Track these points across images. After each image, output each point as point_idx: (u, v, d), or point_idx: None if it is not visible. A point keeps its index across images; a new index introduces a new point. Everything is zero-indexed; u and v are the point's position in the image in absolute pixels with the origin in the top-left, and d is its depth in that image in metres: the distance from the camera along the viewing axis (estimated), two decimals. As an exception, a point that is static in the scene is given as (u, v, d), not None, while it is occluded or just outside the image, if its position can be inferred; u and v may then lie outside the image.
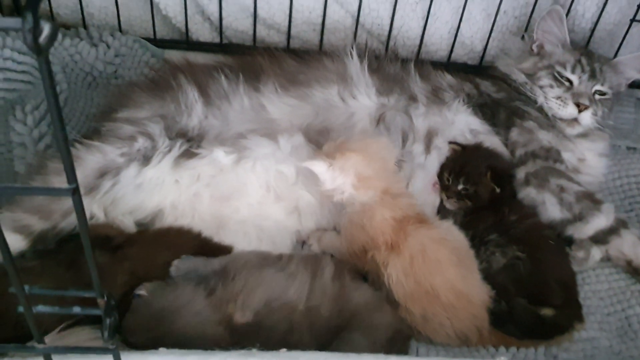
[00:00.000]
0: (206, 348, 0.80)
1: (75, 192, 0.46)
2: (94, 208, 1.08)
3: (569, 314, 1.07)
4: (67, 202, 1.02)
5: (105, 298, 0.58)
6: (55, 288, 0.59)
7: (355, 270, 1.06)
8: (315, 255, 1.04)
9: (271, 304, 0.92)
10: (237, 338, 0.88)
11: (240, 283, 0.94)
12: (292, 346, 0.86)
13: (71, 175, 0.46)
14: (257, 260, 1.01)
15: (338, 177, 1.04)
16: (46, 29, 0.37)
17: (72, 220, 1.04)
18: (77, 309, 0.60)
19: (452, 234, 1.05)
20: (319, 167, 1.04)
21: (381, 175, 1.05)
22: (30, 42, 0.36)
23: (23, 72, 1.33)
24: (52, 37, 0.37)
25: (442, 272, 0.98)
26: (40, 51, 0.36)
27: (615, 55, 1.52)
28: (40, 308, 0.59)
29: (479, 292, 1.01)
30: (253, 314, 0.91)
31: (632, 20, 1.48)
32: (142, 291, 0.92)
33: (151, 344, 0.80)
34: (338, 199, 1.06)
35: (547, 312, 1.05)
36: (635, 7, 1.47)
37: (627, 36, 1.52)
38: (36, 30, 0.36)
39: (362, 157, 1.04)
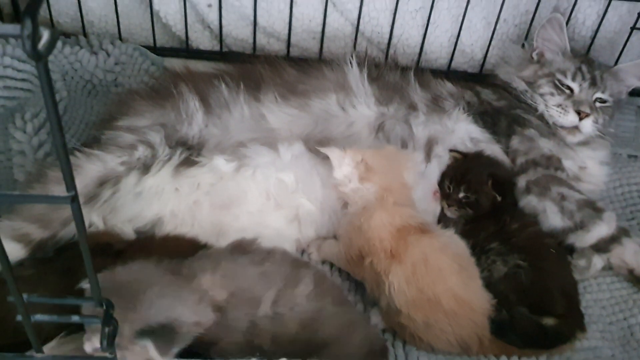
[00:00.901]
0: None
1: (74, 200, 0.46)
2: (93, 217, 1.08)
3: (571, 323, 1.06)
4: (67, 211, 1.01)
5: (104, 306, 0.57)
6: (51, 296, 0.59)
7: (340, 293, 1.04)
8: (300, 269, 0.98)
9: (238, 294, 0.89)
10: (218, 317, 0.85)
11: (208, 262, 0.92)
12: (253, 350, 0.84)
13: (70, 183, 0.45)
14: (230, 249, 0.99)
15: (347, 165, 1.08)
16: (45, 35, 0.37)
17: (71, 229, 1.03)
18: (75, 318, 0.60)
19: (454, 242, 1.05)
20: (333, 152, 1.09)
21: (386, 172, 1.08)
22: (29, 48, 0.35)
23: (23, 80, 1.33)
24: (52, 44, 0.37)
25: (444, 279, 0.97)
26: (39, 57, 0.36)
27: (616, 63, 1.52)
28: (39, 317, 0.59)
29: (480, 300, 1.01)
30: (227, 295, 0.88)
31: (633, 28, 1.49)
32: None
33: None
34: (344, 191, 1.09)
35: (548, 321, 1.04)
36: (636, 15, 1.48)
37: (628, 44, 1.52)
38: (35, 37, 0.36)
39: (374, 153, 1.09)
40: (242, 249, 0.99)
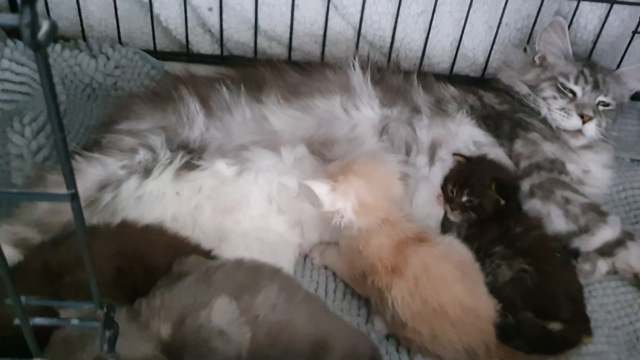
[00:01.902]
0: None
1: (74, 198, 0.45)
2: (93, 221, 1.06)
3: (578, 328, 1.04)
4: (67, 215, 1.00)
5: (105, 309, 0.56)
6: (51, 299, 0.57)
7: (318, 303, 0.95)
8: (262, 278, 0.88)
9: (186, 318, 0.79)
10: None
11: (159, 297, 0.82)
12: None
13: (70, 181, 0.44)
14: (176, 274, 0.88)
15: (339, 201, 1.00)
16: (45, 25, 0.36)
17: (71, 233, 1.02)
18: (75, 322, 0.58)
19: (455, 249, 1.03)
20: (320, 188, 1.01)
21: (382, 204, 1.02)
22: (28, 37, 0.34)
23: (21, 83, 1.31)
24: (51, 34, 0.36)
25: (449, 288, 0.95)
26: (38, 47, 0.35)
27: (618, 67, 1.51)
28: (38, 320, 0.57)
29: (486, 306, 0.99)
30: (172, 327, 0.78)
31: (634, 32, 1.48)
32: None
33: None
34: (336, 222, 1.03)
35: (555, 326, 1.02)
36: (638, 19, 1.47)
37: (629, 48, 1.51)
38: (35, 26, 0.35)
39: (365, 182, 1.01)
40: (187, 269, 0.90)
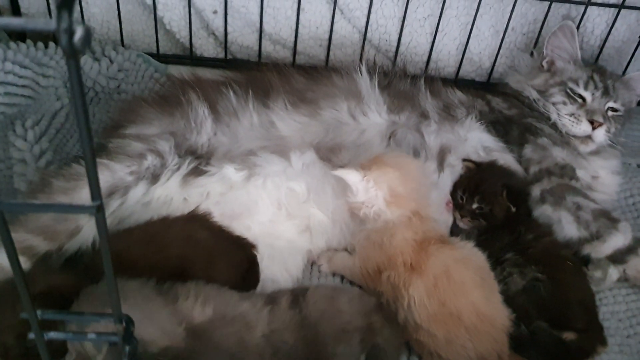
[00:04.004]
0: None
1: (99, 210, 0.43)
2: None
3: (592, 337, 1.03)
4: (74, 223, 0.98)
5: (124, 323, 0.54)
6: (68, 313, 0.55)
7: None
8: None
9: (223, 315, 0.85)
10: (192, 343, 0.80)
11: (192, 284, 0.88)
12: None
13: (96, 191, 0.42)
14: None
15: (371, 190, 1.00)
16: (79, 31, 0.34)
17: (78, 241, 1.00)
18: (92, 336, 0.56)
19: (476, 255, 1.02)
20: (353, 176, 1.01)
21: (414, 196, 1.02)
22: (65, 43, 0.32)
23: (24, 86, 1.29)
24: (87, 39, 0.34)
25: (466, 293, 0.94)
26: (75, 53, 0.33)
27: (624, 72, 1.51)
28: (53, 335, 0.55)
29: (500, 315, 0.97)
30: (212, 311, 0.84)
31: (641, 37, 1.48)
32: None
33: None
34: (364, 213, 1.03)
35: (569, 335, 1.01)
36: (645, 24, 1.46)
37: (636, 53, 1.51)
38: (71, 32, 0.33)
39: (399, 173, 1.01)
40: None
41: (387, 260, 0.99)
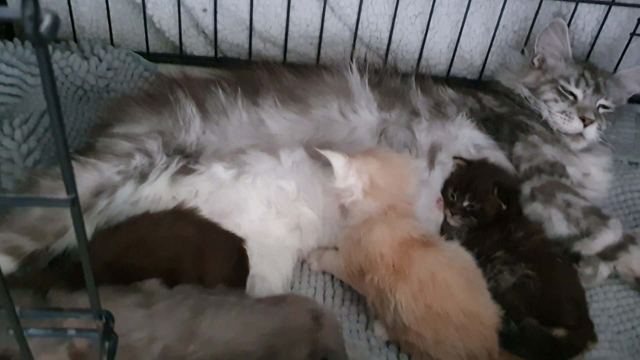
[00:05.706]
0: None
1: (74, 203, 0.42)
2: (87, 228, 1.03)
3: (582, 334, 1.02)
4: (61, 222, 0.98)
5: (104, 319, 0.53)
6: (46, 309, 0.55)
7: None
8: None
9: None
10: None
11: None
12: None
13: (70, 185, 0.41)
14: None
15: (351, 177, 1.01)
16: (47, 19, 0.33)
17: (65, 241, 0.99)
18: (72, 332, 0.55)
19: (460, 256, 1.01)
20: (337, 160, 1.02)
21: (393, 190, 1.01)
22: (30, 31, 0.32)
23: (11, 85, 1.29)
24: (54, 28, 0.33)
25: (453, 295, 0.93)
26: (41, 41, 0.32)
27: (615, 69, 1.51)
28: (32, 331, 0.54)
29: (489, 312, 0.97)
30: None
31: (632, 34, 1.47)
32: None
33: None
34: (344, 202, 1.03)
35: (559, 332, 1.00)
36: (635, 21, 1.46)
37: (627, 50, 1.51)
38: (37, 19, 0.32)
39: (382, 165, 1.01)
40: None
41: (367, 260, 0.98)
